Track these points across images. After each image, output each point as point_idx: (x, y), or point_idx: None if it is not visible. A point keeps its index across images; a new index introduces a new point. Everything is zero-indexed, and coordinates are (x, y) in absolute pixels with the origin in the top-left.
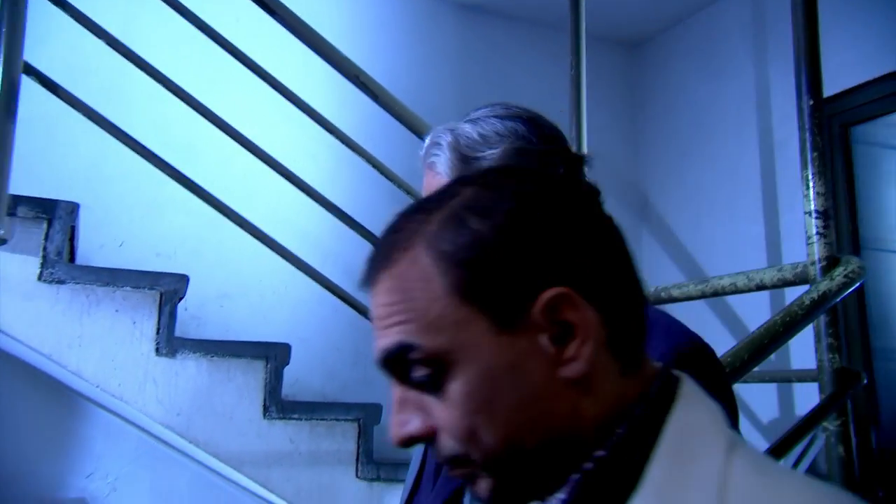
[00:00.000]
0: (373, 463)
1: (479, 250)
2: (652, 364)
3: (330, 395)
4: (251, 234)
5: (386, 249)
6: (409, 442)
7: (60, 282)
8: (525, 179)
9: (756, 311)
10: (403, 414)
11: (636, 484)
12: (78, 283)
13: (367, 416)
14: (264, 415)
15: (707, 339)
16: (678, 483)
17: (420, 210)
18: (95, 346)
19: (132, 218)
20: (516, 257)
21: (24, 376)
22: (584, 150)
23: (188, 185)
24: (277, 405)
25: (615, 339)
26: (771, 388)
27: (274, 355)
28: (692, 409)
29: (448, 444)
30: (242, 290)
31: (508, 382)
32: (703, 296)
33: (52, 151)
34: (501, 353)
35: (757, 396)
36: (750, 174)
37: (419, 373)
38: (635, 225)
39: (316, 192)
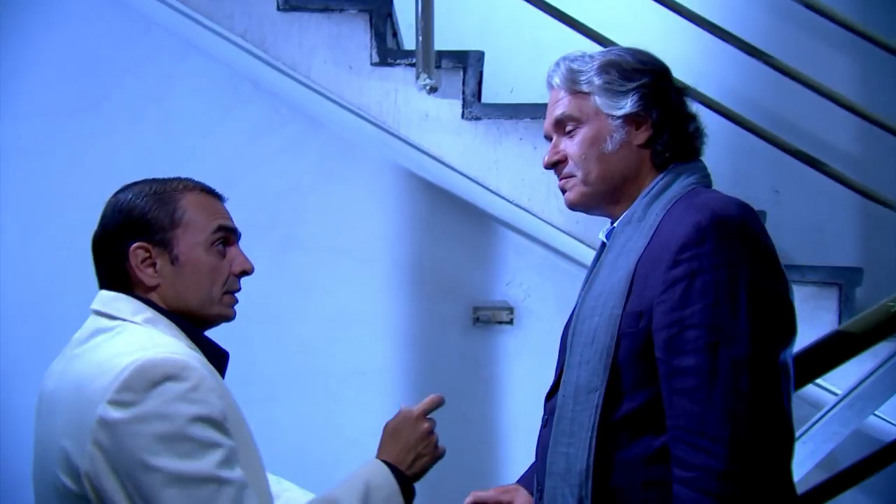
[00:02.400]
0: None
1: None
2: None
3: None
4: None
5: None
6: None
7: (477, 118)
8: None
9: None
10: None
11: None
12: (490, 119)
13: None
14: None
15: None
16: None
17: None
18: (508, 168)
19: (519, 65)
20: None
21: (456, 209)
22: None
23: (568, 21)
24: None
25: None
26: None
27: None
28: None
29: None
30: None
31: None
32: None
33: (449, 11)
34: None
35: None
36: None
37: None
38: None
39: (688, 9)
